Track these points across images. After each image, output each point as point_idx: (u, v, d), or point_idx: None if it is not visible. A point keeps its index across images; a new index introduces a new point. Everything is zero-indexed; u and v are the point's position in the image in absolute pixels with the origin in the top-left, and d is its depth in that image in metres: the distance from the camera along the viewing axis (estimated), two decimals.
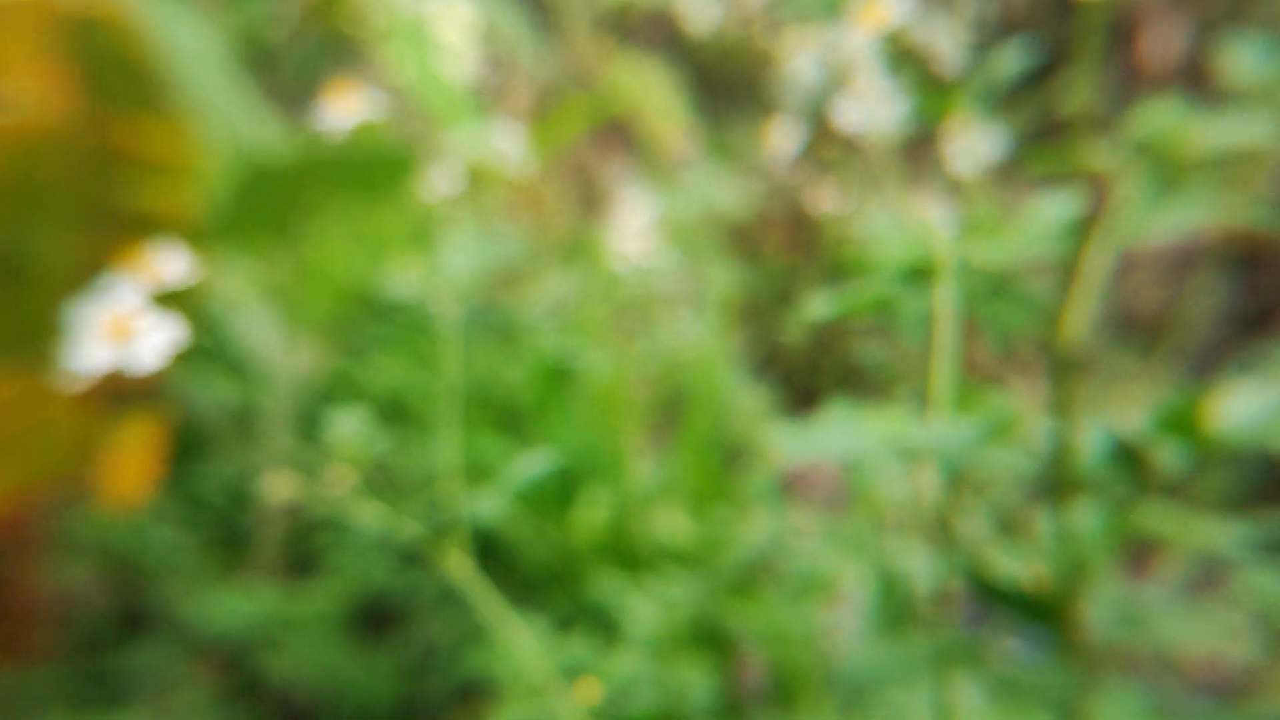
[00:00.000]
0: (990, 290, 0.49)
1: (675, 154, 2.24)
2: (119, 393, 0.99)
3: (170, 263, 0.61)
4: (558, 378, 1.24)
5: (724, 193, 2.19)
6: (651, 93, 2.24)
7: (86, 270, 0.92)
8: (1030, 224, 0.50)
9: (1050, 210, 0.51)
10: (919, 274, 0.49)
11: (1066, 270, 0.48)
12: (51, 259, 0.86)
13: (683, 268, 1.95)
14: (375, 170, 0.99)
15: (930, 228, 0.50)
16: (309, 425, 1.20)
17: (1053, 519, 0.49)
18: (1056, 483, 0.48)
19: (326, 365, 1.18)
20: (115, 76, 0.83)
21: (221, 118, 0.97)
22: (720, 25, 2.63)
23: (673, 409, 1.40)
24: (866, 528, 0.69)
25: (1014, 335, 0.48)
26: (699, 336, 1.58)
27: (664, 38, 2.64)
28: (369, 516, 0.59)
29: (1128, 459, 0.47)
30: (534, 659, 0.64)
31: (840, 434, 0.50)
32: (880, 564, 0.63)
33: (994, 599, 0.50)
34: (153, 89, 0.85)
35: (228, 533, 0.96)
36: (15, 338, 0.87)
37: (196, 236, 0.98)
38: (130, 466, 0.97)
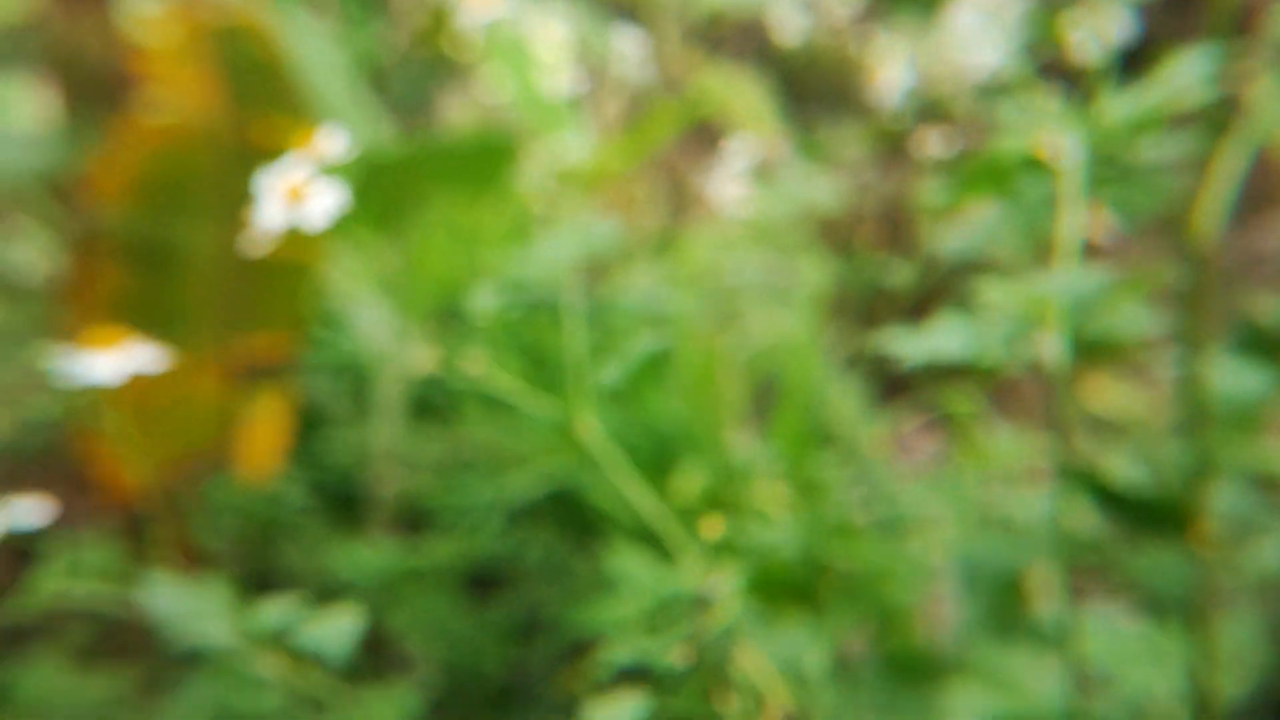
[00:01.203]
0: (1116, 174, 0.48)
1: (766, 157, 2.26)
2: (253, 371, 1.08)
3: (332, 143, 0.70)
4: (653, 360, 1.27)
5: (815, 190, 2.19)
6: (742, 98, 2.27)
7: (225, 258, 1.01)
8: (1169, 77, 0.48)
9: (1190, 65, 0.49)
10: (1040, 164, 0.48)
11: (1199, 166, 0.47)
12: (195, 248, 0.95)
13: (774, 261, 1.97)
14: (480, 160, 1.05)
15: (1058, 105, 0.50)
16: (419, 410, 1.27)
17: (1181, 419, 0.48)
18: (1185, 376, 0.46)
19: (434, 353, 1.25)
20: (254, 80, 0.91)
21: (341, 118, 1.04)
22: (809, 34, 2.64)
23: (764, 399, 1.42)
24: (969, 476, 0.69)
25: (1138, 218, 0.47)
26: (790, 325, 1.60)
27: (754, 46, 2.67)
28: (505, 387, 0.63)
29: (1266, 347, 0.46)
30: (649, 562, 0.67)
31: (956, 329, 0.49)
32: (981, 507, 0.63)
33: (1112, 503, 0.50)
34: (286, 91, 0.93)
35: (347, 500, 1.03)
36: (164, 320, 0.96)
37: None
38: (263, 438, 1.06)
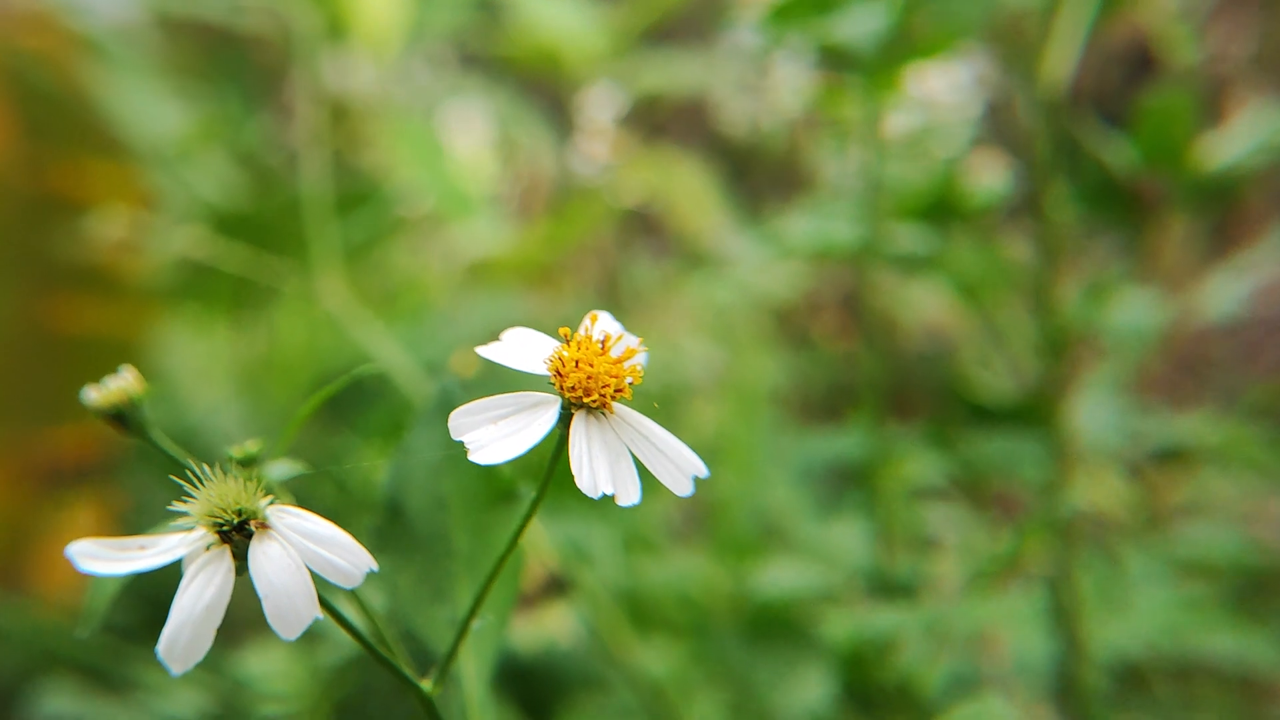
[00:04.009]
0: None
1: (712, 245, 2.25)
2: (56, 475, 0.98)
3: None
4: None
5: (767, 278, 2.17)
6: (683, 184, 2.28)
7: (20, 333, 0.93)
8: None
9: None
10: None
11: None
12: None
13: (722, 356, 1.92)
14: (347, 203, 1.00)
15: None
16: None
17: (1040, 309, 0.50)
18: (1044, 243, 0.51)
19: (302, 449, 1.16)
20: (54, 115, 0.86)
21: (171, 166, 1.00)
22: (755, 119, 2.70)
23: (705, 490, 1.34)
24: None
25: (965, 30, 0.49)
26: (734, 422, 1.54)
27: (699, 131, 2.72)
28: None
29: (1111, 192, 0.47)
30: None
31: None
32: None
33: (981, 414, 0.54)
34: (94, 131, 0.89)
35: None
36: None
37: (153, 296, 1.00)
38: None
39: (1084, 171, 0.61)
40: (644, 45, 2.20)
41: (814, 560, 0.76)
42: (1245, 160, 0.62)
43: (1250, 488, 1.01)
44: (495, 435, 0.29)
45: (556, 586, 0.79)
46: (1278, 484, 1.01)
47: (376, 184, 1.61)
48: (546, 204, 2.31)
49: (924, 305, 1.74)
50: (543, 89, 2.35)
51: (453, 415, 0.29)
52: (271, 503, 0.32)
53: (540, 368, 0.31)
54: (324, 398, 0.34)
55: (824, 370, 2.08)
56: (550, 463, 0.29)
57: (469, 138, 2.23)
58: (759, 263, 1.29)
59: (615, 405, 0.30)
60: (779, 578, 0.77)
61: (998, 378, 0.81)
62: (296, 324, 1.22)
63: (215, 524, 0.33)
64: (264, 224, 1.03)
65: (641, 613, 0.87)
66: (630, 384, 0.31)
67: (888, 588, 0.70)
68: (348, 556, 0.30)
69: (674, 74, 2.25)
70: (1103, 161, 0.60)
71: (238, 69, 1.96)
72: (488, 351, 0.32)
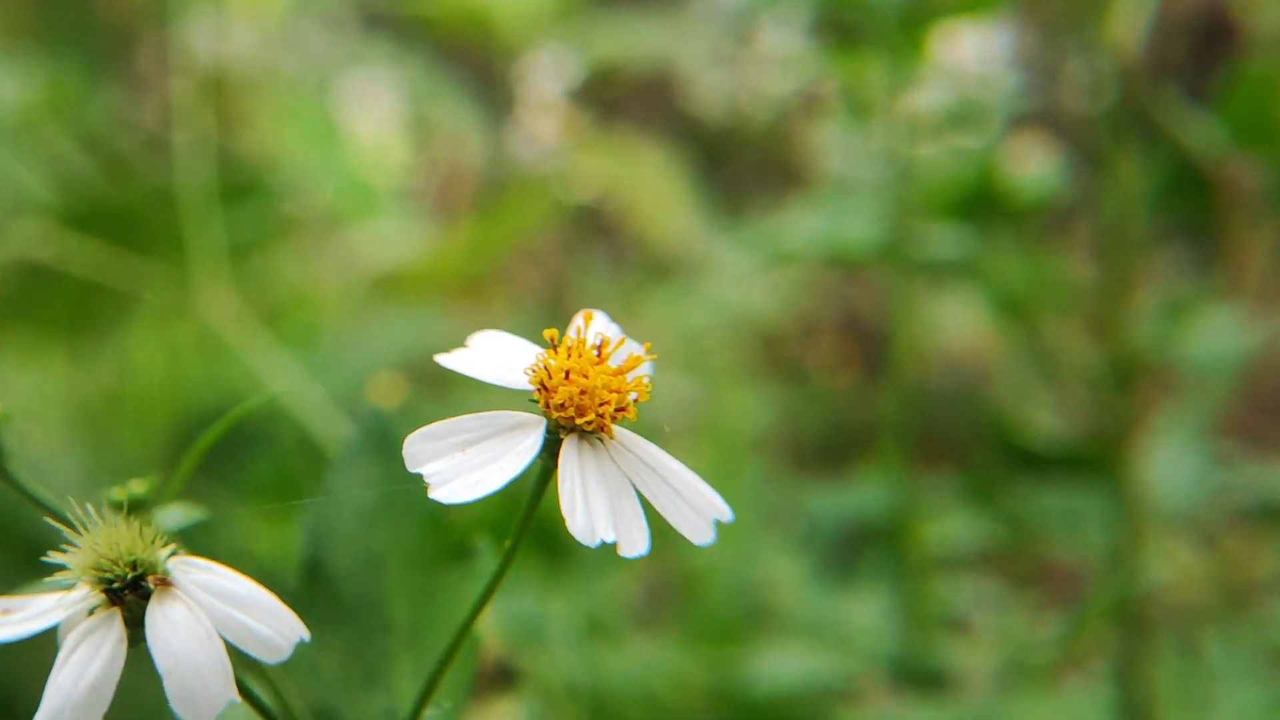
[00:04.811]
0: None
1: (681, 251, 2.25)
2: None
3: None
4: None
5: (751, 293, 2.18)
6: (644, 176, 2.29)
7: None
8: None
9: None
10: None
11: None
12: None
13: (693, 392, 1.92)
14: (223, 196, 0.99)
15: None
16: None
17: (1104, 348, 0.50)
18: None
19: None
20: None
21: (3, 152, 0.98)
22: (733, 98, 2.71)
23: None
24: None
25: None
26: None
27: (665, 111, 2.73)
28: None
29: (1190, 185, 0.48)
30: None
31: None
32: None
33: (1030, 462, 0.55)
34: None
35: None
36: None
37: None
38: None
39: (1158, 159, 0.61)
40: (596, 4, 2.20)
41: (823, 645, 0.76)
42: None
43: None
44: (463, 466, 0.28)
45: (503, 676, 0.78)
46: None
47: (257, 174, 1.59)
48: (473, 199, 2.30)
49: (949, 327, 1.75)
50: (468, 57, 2.34)
51: (409, 440, 0.28)
52: (173, 554, 0.31)
53: (520, 380, 0.30)
54: (229, 424, 0.33)
55: (821, 408, 2.08)
56: (529, 502, 0.28)
57: (373, 117, 2.22)
58: (743, 272, 1.29)
59: (615, 429, 0.29)
60: (778, 667, 0.77)
61: (1047, 416, 0.81)
62: (154, 350, 1.20)
63: (103, 580, 0.32)
64: (118, 221, 1.01)
65: (601, 711, 0.86)
66: (635, 401, 0.30)
67: (918, 679, 0.70)
68: (272, 622, 0.30)
69: (634, 40, 2.26)
70: (1183, 145, 0.60)
71: (80, 31, 1.94)
72: (451, 360, 0.31)
